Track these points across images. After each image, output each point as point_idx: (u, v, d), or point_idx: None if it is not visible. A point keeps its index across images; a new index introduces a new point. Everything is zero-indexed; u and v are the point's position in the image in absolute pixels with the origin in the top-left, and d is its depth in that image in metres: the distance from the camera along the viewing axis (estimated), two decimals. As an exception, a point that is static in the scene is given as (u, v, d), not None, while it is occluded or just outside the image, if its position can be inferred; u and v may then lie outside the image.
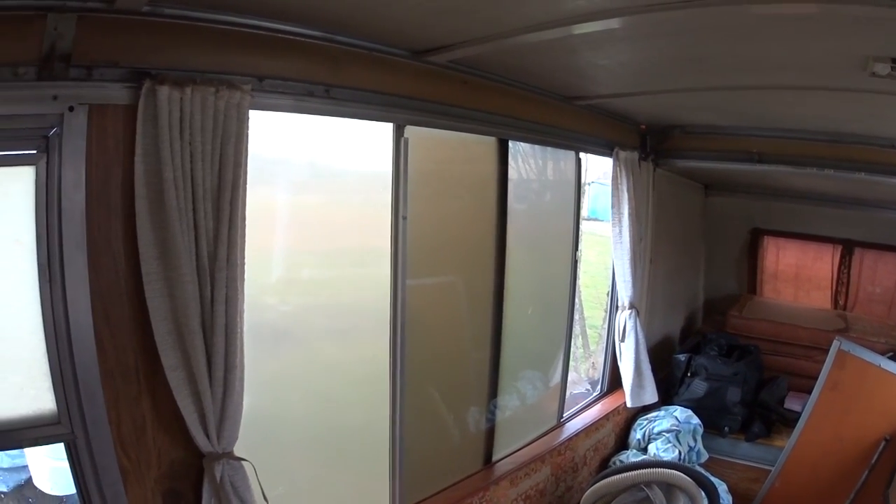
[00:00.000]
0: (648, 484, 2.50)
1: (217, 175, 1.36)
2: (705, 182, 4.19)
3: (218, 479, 1.42)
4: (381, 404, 2.01)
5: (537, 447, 2.82)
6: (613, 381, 3.49)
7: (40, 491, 3.82)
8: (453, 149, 2.27)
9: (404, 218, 1.91)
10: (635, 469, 2.54)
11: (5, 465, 4.07)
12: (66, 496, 3.90)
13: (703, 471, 2.64)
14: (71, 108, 1.24)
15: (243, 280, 1.42)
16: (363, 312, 2.02)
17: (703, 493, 2.57)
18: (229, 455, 1.45)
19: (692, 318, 4.40)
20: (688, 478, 2.54)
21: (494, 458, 2.63)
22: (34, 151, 1.25)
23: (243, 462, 1.48)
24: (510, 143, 2.47)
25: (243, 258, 1.42)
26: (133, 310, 1.35)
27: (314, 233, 1.88)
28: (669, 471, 2.52)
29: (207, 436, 1.41)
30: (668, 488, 2.53)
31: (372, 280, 1.98)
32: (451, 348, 2.43)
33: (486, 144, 2.41)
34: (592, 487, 2.57)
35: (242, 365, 1.43)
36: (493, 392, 2.63)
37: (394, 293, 1.95)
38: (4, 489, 4.13)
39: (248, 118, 1.39)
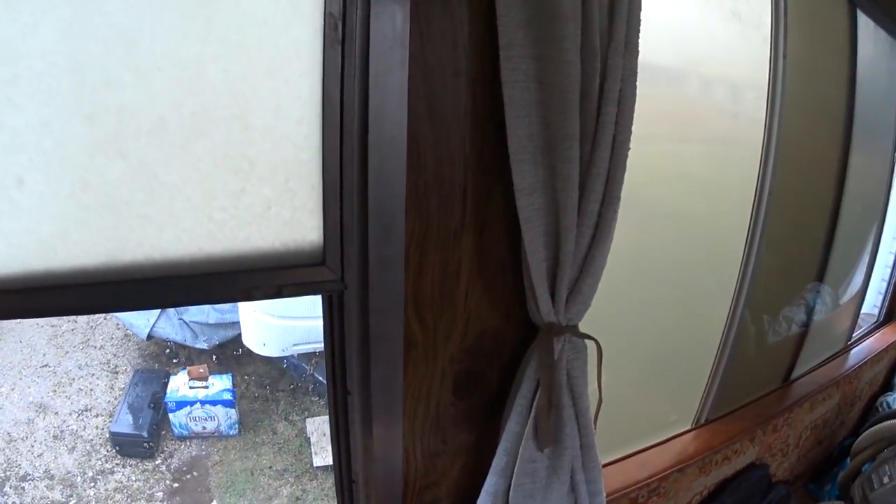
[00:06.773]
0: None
1: None
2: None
3: (556, 359, 1.00)
4: (720, 299, 1.60)
5: (829, 370, 2.31)
6: (892, 311, 2.95)
7: (248, 350, 3.77)
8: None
9: (785, 57, 1.55)
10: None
11: (212, 321, 4.07)
12: (279, 358, 3.80)
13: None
14: None
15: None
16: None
17: None
18: (573, 330, 1.01)
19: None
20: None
21: (794, 374, 2.16)
22: None
23: (587, 342, 1.04)
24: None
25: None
26: (472, 100, 0.88)
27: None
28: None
29: (553, 299, 0.96)
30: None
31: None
32: (789, 234, 1.88)
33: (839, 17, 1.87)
34: (873, 429, 2.14)
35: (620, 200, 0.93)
36: (812, 301, 2.09)
37: (765, 148, 1.57)
38: (205, 346, 4.20)
39: None
